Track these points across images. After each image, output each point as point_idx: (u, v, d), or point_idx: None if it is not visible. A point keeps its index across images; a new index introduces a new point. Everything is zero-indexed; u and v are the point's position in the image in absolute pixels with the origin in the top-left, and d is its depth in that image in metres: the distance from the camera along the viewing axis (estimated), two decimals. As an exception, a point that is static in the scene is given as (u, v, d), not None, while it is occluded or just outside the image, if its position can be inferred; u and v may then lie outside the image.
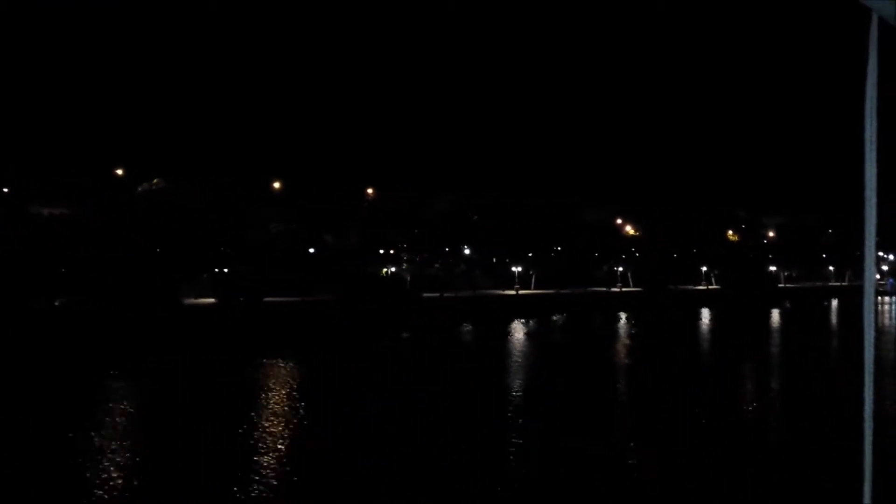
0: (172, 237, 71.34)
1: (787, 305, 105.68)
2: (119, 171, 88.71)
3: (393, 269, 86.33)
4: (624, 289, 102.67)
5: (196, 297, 67.73)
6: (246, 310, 63.07)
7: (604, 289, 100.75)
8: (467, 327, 66.35)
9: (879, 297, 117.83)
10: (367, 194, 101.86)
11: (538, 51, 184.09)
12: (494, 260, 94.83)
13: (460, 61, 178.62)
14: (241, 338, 53.24)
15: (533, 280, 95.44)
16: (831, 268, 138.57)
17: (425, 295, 78.55)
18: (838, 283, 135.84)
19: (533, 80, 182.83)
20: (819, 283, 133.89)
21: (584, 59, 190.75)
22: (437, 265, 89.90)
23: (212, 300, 66.10)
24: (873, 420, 2.83)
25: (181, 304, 61.85)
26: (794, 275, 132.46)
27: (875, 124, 2.78)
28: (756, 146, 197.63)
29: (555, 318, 76.35)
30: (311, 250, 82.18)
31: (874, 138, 2.78)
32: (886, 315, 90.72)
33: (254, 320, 60.23)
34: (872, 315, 2.86)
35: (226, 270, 71.40)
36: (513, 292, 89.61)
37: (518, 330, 65.05)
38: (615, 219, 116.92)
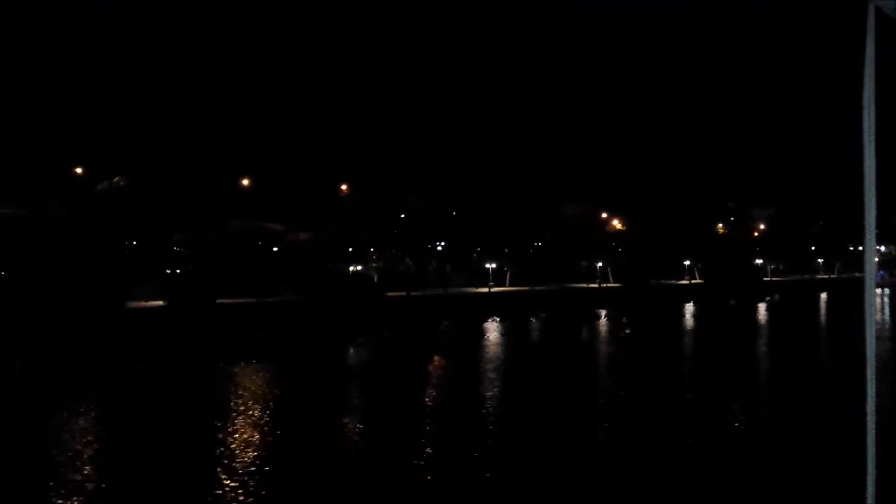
0: (123, 237, 68.56)
1: (774, 299, 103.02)
2: (78, 170, 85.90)
3: (360, 267, 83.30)
4: (603, 285, 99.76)
5: (146, 300, 64.82)
6: (195, 313, 60.08)
7: (582, 285, 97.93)
8: (418, 330, 62.87)
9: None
10: (341, 190, 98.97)
11: (515, 44, 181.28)
12: (473, 256, 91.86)
13: (436, 57, 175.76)
14: (176, 344, 50.16)
15: (508, 277, 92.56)
16: (820, 260, 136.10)
17: (391, 294, 75.45)
18: (827, 276, 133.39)
19: (512, 72, 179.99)
20: (807, 276, 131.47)
21: (564, 52, 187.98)
22: (407, 261, 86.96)
23: (160, 303, 63.10)
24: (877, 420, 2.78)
25: (124, 308, 58.86)
26: (780, 267, 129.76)
27: (873, 116, 2.70)
28: (749, 137, 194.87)
29: (519, 318, 72.89)
30: (275, 248, 79.34)
31: (873, 129, 2.72)
32: (878, 308, 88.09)
33: (201, 324, 57.22)
34: (874, 309, 2.80)
35: (178, 271, 68.38)
36: (486, 290, 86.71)
37: (470, 334, 61.66)
38: (596, 213, 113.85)
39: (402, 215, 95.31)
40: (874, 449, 2.82)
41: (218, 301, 63.88)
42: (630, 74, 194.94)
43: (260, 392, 33.46)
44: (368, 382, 37.01)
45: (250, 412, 28.50)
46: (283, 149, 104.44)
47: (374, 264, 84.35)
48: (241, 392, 33.35)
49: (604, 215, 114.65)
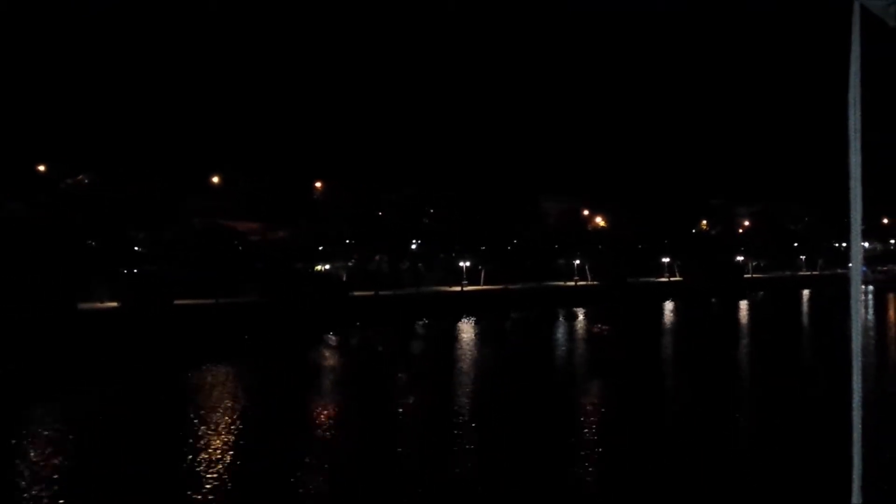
0: (80, 235, 66.77)
1: (755, 296, 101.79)
2: (41, 168, 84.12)
3: (327, 266, 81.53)
4: (580, 283, 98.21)
5: (101, 301, 63.05)
6: (149, 314, 58.32)
7: (559, 283, 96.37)
8: (379, 332, 61.16)
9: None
10: (313, 188, 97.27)
11: (495, 38, 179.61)
12: (442, 255, 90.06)
13: (415, 52, 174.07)
14: (120, 348, 48.36)
15: (482, 275, 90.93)
16: (802, 257, 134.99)
17: (358, 293, 73.69)
18: (809, 273, 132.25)
19: (493, 67, 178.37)
20: (789, 273, 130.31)
21: (546, 47, 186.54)
22: (377, 259, 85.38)
23: (115, 304, 61.29)
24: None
25: (75, 310, 57.06)
26: (762, 264, 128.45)
27: (859, 113, 2.72)
28: (737, 132, 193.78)
29: (489, 318, 71.04)
30: (240, 247, 77.52)
31: (859, 127, 2.74)
32: (861, 305, 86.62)
33: (153, 327, 55.48)
34: (860, 304, 2.83)
35: (135, 270, 66.57)
36: (458, 289, 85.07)
37: (433, 337, 60.02)
38: (576, 209, 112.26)
39: (376, 212, 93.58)
40: (860, 447, 2.77)
41: (176, 302, 62.21)
42: (614, 70, 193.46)
43: (189, 401, 31.84)
44: (309, 390, 35.42)
45: (168, 424, 26.94)
46: (257, 146, 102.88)
47: (343, 263, 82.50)
48: (168, 401, 31.79)
49: (585, 212, 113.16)
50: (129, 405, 30.99)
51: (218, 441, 24.16)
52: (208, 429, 25.90)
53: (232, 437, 24.70)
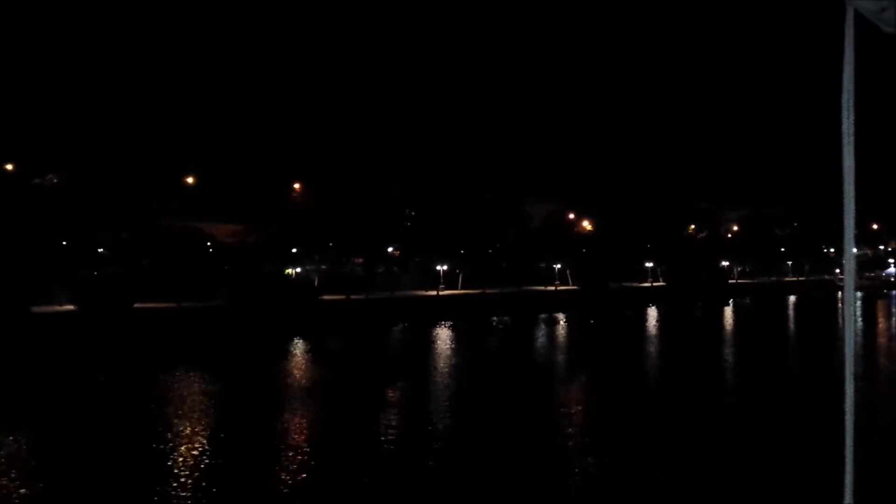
0: (41, 236, 64.57)
1: (741, 302, 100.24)
2: (9, 167, 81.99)
3: (298, 269, 79.45)
4: (561, 287, 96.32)
5: (61, 304, 60.82)
6: (106, 318, 56.13)
7: (539, 288, 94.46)
8: (345, 338, 59.29)
9: (839, 293, 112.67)
10: (287, 189, 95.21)
11: (480, 36, 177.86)
12: (418, 258, 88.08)
13: (402, 53, 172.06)
14: (67, 353, 46.23)
15: (460, 279, 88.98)
16: (789, 262, 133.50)
17: (328, 297, 71.61)
18: (795, 278, 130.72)
19: (481, 67, 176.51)
20: (775, 278, 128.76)
21: (532, 46, 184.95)
22: (351, 263, 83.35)
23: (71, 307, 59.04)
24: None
25: (28, 313, 54.86)
26: (747, 270, 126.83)
27: (853, 118, 2.72)
28: (728, 136, 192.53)
29: (463, 323, 69.09)
30: (210, 249, 75.44)
31: (852, 132, 2.74)
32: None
33: (108, 331, 53.35)
34: (853, 309, 2.95)
35: (95, 273, 64.41)
36: (434, 293, 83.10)
37: (390, 344, 58.08)
38: (559, 212, 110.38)
39: (353, 214, 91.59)
40: (853, 448, 2.79)
41: (136, 305, 60.08)
42: (601, 71, 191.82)
43: (115, 415, 29.75)
44: (259, 402, 33.32)
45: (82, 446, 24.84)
46: (233, 146, 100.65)
47: (316, 266, 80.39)
48: (90, 415, 29.68)
49: (570, 215, 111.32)
50: (47, 421, 28.83)
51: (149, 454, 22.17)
52: (136, 445, 23.89)
53: (162, 458, 22.60)
